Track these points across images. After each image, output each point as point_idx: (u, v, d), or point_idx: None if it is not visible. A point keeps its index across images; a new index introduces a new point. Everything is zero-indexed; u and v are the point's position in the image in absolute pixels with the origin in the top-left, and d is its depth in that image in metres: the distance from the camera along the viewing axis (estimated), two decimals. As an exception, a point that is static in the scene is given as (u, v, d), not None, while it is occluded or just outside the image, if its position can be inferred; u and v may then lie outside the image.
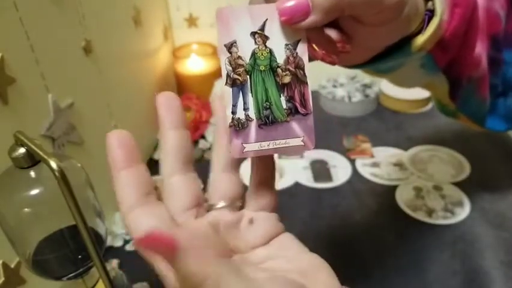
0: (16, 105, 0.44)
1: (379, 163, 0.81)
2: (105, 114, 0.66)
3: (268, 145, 0.27)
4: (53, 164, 0.30)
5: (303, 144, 0.27)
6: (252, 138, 0.27)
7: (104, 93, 0.65)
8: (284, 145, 0.27)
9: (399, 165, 0.81)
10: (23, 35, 0.45)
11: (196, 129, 0.92)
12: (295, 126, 0.27)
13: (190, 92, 0.98)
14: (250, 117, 0.27)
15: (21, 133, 0.34)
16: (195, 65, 1.00)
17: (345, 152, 0.85)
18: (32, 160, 0.34)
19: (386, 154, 0.84)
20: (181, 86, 1.03)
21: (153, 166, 0.83)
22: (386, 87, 1.00)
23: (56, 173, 0.30)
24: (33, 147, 0.32)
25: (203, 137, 0.92)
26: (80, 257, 0.38)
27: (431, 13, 0.36)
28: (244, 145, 0.26)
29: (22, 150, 0.33)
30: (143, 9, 0.83)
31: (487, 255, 0.61)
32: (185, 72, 1.01)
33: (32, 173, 0.35)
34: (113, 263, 0.61)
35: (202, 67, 1.00)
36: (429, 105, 0.99)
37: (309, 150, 0.28)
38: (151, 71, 0.90)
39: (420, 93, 0.98)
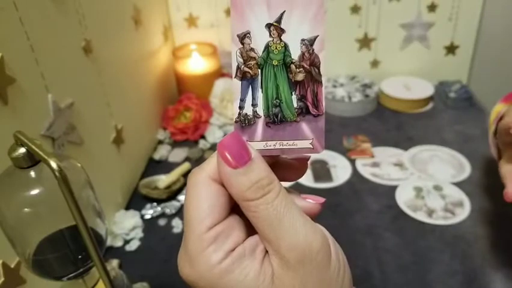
0: (16, 105, 0.44)
1: (379, 163, 0.81)
2: (105, 114, 0.66)
3: (274, 145, 0.26)
4: (53, 164, 0.30)
5: (311, 147, 0.26)
6: (258, 136, 0.25)
7: (104, 93, 0.65)
8: (291, 146, 0.26)
9: (399, 165, 0.81)
10: (23, 35, 0.45)
11: (196, 129, 0.92)
12: (304, 127, 0.25)
13: (190, 92, 0.98)
14: (258, 114, 0.25)
15: (21, 133, 0.34)
16: (195, 65, 1.00)
17: (345, 152, 0.85)
18: (32, 160, 0.34)
19: (386, 154, 0.84)
20: (181, 86, 1.03)
21: (153, 166, 0.83)
22: (386, 87, 1.00)
23: (56, 173, 0.30)
24: (33, 147, 0.32)
25: (203, 137, 0.92)
26: (80, 257, 0.38)
27: None
28: (249, 143, 0.25)
29: (22, 150, 0.33)
30: (143, 9, 0.83)
31: (487, 255, 0.61)
32: (185, 72, 1.00)
33: (32, 173, 0.35)
34: (113, 263, 0.61)
35: (202, 67, 1.00)
36: (430, 105, 0.99)
37: (317, 154, 0.27)
38: (151, 70, 0.90)
39: (420, 93, 0.98)
